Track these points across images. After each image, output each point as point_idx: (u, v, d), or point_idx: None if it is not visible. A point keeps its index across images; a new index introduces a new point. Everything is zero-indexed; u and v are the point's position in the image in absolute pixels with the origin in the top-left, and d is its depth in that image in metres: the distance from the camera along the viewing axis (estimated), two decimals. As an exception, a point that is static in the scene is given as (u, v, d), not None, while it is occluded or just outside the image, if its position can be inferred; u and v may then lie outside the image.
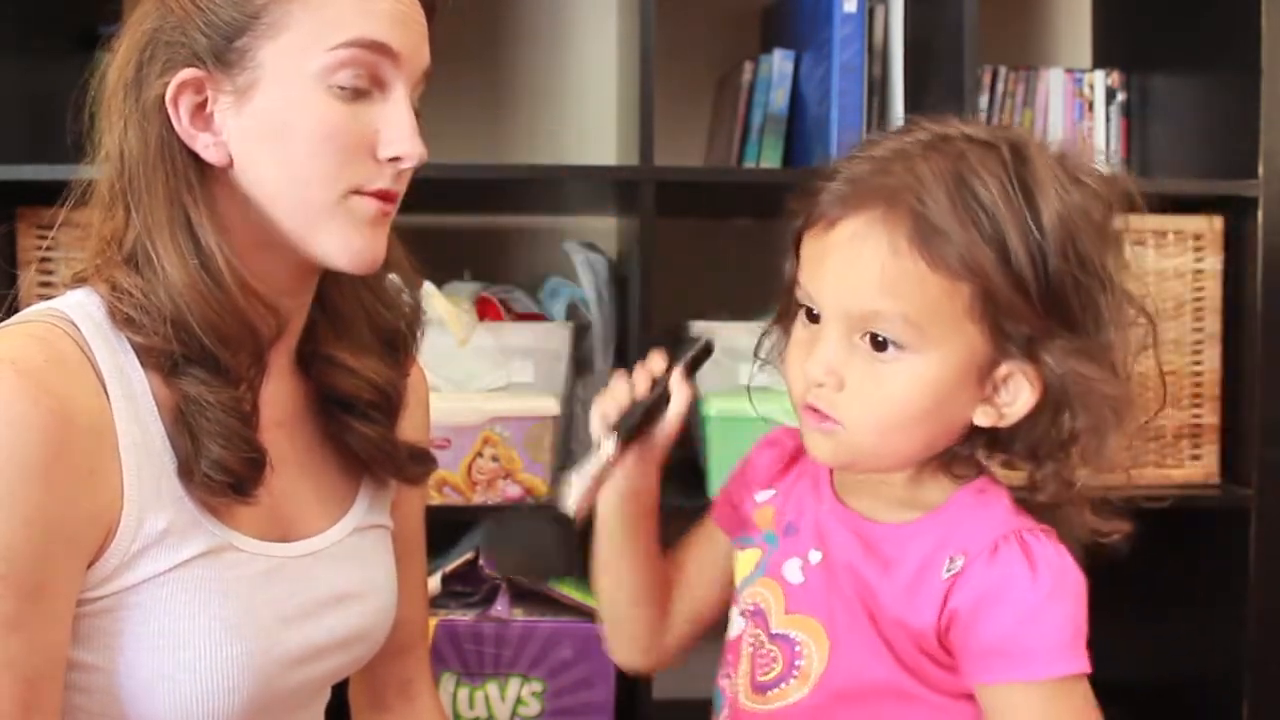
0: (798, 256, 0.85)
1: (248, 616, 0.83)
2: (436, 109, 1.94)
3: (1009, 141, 0.80)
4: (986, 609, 0.79)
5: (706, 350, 0.95)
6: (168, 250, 0.82)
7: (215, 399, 0.81)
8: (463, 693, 1.49)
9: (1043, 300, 0.78)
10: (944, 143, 0.80)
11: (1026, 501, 0.84)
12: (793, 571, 0.88)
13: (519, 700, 1.50)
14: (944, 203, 0.77)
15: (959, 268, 0.76)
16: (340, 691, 1.04)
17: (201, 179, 0.84)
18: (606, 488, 0.92)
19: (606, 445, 0.89)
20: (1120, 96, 1.86)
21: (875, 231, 0.78)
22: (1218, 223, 1.65)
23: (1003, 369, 0.80)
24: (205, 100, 0.83)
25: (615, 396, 0.91)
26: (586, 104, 1.96)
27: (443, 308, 1.53)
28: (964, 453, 0.84)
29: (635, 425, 0.90)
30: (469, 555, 1.54)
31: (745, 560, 0.93)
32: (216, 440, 0.81)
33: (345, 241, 0.85)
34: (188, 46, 0.82)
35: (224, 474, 0.81)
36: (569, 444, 1.78)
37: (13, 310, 0.87)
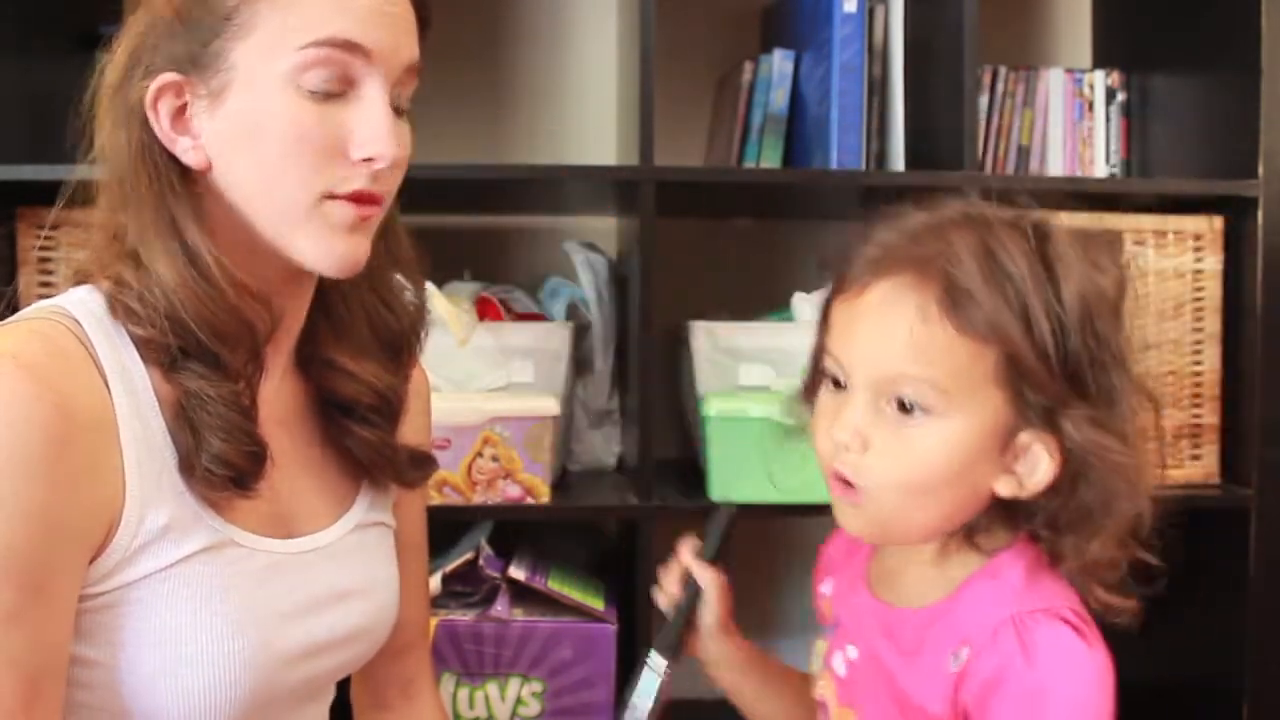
0: (826, 324, 0.88)
1: (249, 612, 0.83)
2: (436, 109, 1.94)
3: (1033, 222, 0.83)
4: (990, 699, 0.80)
5: (731, 522, 1.01)
6: (157, 250, 0.82)
7: (215, 393, 0.82)
8: (463, 693, 1.49)
9: (1062, 370, 0.80)
10: (972, 219, 0.84)
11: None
12: (839, 665, 0.92)
13: (519, 700, 1.50)
14: (973, 270, 0.79)
15: (986, 332, 0.79)
16: (342, 690, 1.04)
17: (185, 182, 0.84)
18: (711, 668, 1.01)
19: (656, 665, 0.96)
20: (1120, 96, 1.86)
21: (905, 296, 0.81)
22: (1218, 223, 1.65)
23: (1023, 438, 0.82)
24: (185, 104, 0.83)
25: (662, 604, 1.00)
26: (586, 104, 1.96)
27: (443, 308, 1.53)
28: (985, 523, 0.86)
29: (678, 633, 0.97)
30: (469, 555, 1.54)
31: (817, 652, 0.97)
32: (217, 434, 0.81)
33: (323, 247, 0.84)
34: (168, 50, 0.83)
35: (225, 468, 0.81)
36: (569, 444, 1.78)
37: (13, 310, 0.87)
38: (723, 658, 1.01)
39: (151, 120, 0.83)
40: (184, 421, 0.82)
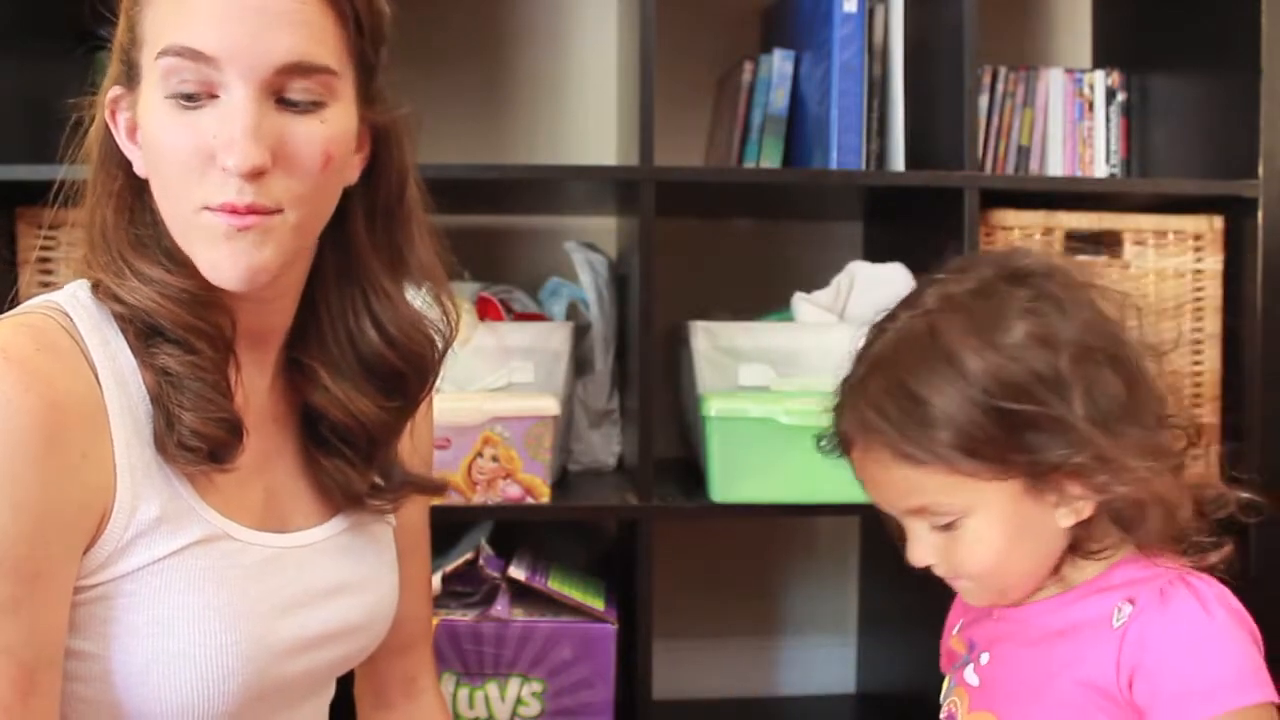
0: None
1: (242, 605, 0.83)
2: (437, 109, 1.93)
3: (927, 325, 0.90)
4: (1169, 654, 0.84)
5: None
6: (121, 252, 0.83)
7: (187, 370, 0.81)
8: (463, 693, 1.49)
9: (1011, 430, 0.86)
10: (880, 362, 0.92)
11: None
12: (970, 676, 0.99)
13: (519, 700, 1.50)
14: (894, 418, 0.89)
15: (940, 452, 0.87)
16: (345, 687, 1.04)
17: (141, 190, 0.85)
18: None
19: None
20: (1120, 96, 1.86)
21: (868, 460, 0.93)
22: (1218, 223, 1.65)
23: (1050, 480, 0.87)
24: (133, 116, 0.84)
25: None
26: (586, 104, 1.96)
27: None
28: (1088, 536, 0.91)
29: None
30: (469, 555, 1.54)
31: (946, 683, 1.04)
32: (188, 408, 0.81)
33: (208, 260, 0.81)
34: (114, 66, 0.85)
35: (200, 439, 0.81)
36: (569, 444, 1.78)
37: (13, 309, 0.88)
38: None
39: (112, 131, 0.84)
40: (158, 399, 0.81)
